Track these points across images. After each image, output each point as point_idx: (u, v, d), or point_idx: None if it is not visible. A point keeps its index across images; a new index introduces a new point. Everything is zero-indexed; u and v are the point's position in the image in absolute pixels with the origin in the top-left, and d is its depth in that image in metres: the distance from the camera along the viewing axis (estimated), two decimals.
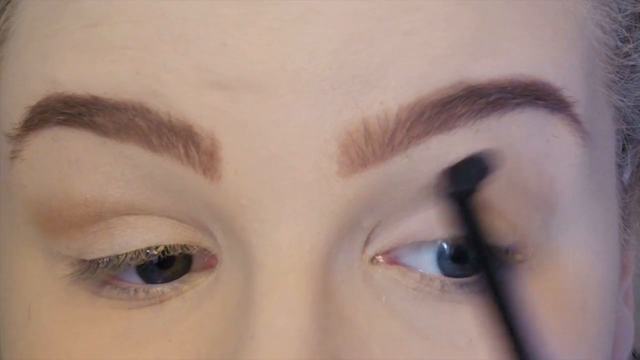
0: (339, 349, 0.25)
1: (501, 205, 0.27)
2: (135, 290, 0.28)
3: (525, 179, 0.27)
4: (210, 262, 0.28)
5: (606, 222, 0.30)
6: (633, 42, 0.30)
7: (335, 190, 0.25)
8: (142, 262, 0.27)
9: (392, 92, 0.25)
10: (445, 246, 0.27)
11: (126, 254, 0.27)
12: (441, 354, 0.26)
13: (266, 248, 0.25)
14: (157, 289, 0.27)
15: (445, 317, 0.27)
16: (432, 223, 0.27)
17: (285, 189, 0.25)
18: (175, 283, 0.27)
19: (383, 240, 0.27)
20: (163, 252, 0.27)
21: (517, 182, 0.27)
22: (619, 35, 0.30)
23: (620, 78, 0.31)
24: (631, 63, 0.31)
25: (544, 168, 0.27)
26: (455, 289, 0.27)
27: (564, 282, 0.28)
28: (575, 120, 0.27)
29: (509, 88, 0.26)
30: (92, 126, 0.26)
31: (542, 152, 0.27)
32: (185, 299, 0.27)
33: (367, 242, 0.27)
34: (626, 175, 0.34)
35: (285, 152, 0.25)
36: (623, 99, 0.31)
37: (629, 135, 0.33)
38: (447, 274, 0.27)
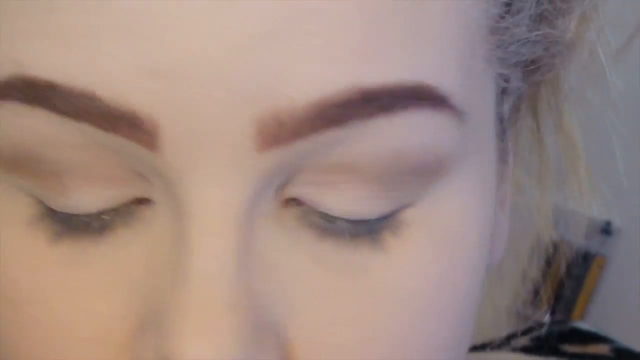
0: (255, 280, 0.31)
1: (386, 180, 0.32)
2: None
3: (412, 163, 0.32)
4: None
5: (484, 168, 0.36)
6: (512, 17, 0.35)
7: (253, 162, 0.30)
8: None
9: (299, 88, 0.29)
10: None
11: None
12: (343, 282, 0.33)
13: (198, 204, 0.31)
14: (107, 217, 0.33)
15: (345, 252, 0.33)
16: None
17: (213, 160, 0.30)
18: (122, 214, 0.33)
19: (292, 189, 0.32)
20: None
21: (401, 167, 0.32)
22: (499, 13, 0.34)
23: (498, 46, 0.35)
24: (509, 34, 0.35)
25: (429, 150, 0.32)
26: (353, 226, 0.32)
27: (449, 220, 0.34)
28: (452, 108, 0.32)
29: (395, 92, 0.30)
30: (51, 107, 0.30)
31: (427, 140, 0.31)
32: (131, 226, 0.32)
33: (276, 191, 0.32)
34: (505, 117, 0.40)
35: (212, 130, 0.30)
36: (504, 66, 0.36)
37: (505, 87, 0.38)
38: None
